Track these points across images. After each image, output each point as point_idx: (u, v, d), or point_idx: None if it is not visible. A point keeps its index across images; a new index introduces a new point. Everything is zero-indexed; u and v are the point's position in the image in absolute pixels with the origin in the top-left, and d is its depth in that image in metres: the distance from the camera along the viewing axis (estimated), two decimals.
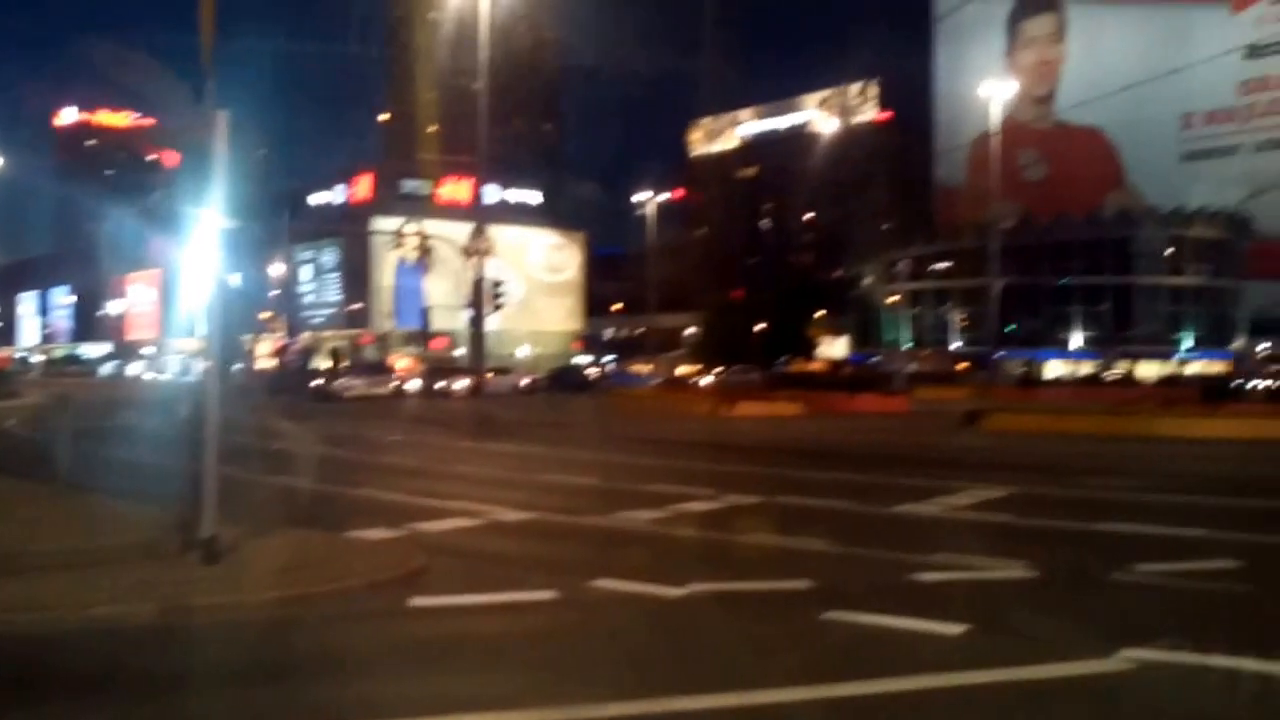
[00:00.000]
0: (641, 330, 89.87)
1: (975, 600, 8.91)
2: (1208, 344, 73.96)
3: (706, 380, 66.82)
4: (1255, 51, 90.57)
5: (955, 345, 78.86)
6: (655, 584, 9.22)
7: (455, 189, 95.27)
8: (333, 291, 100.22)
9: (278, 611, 8.37)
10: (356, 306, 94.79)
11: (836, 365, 75.82)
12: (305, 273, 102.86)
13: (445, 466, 20.13)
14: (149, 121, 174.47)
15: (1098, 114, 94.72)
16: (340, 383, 54.53)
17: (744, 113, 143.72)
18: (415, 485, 16.63)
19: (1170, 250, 75.17)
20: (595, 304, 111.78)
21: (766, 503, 15.10)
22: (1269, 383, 48.89)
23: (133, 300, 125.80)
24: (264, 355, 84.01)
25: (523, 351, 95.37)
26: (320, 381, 54.63)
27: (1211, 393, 35.10)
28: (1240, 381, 51.16)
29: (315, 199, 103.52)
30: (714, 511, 14.09)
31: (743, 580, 9.73)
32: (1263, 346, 75.97)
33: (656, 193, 71.07)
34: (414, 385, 57.59)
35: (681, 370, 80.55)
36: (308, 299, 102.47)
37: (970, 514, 14.14)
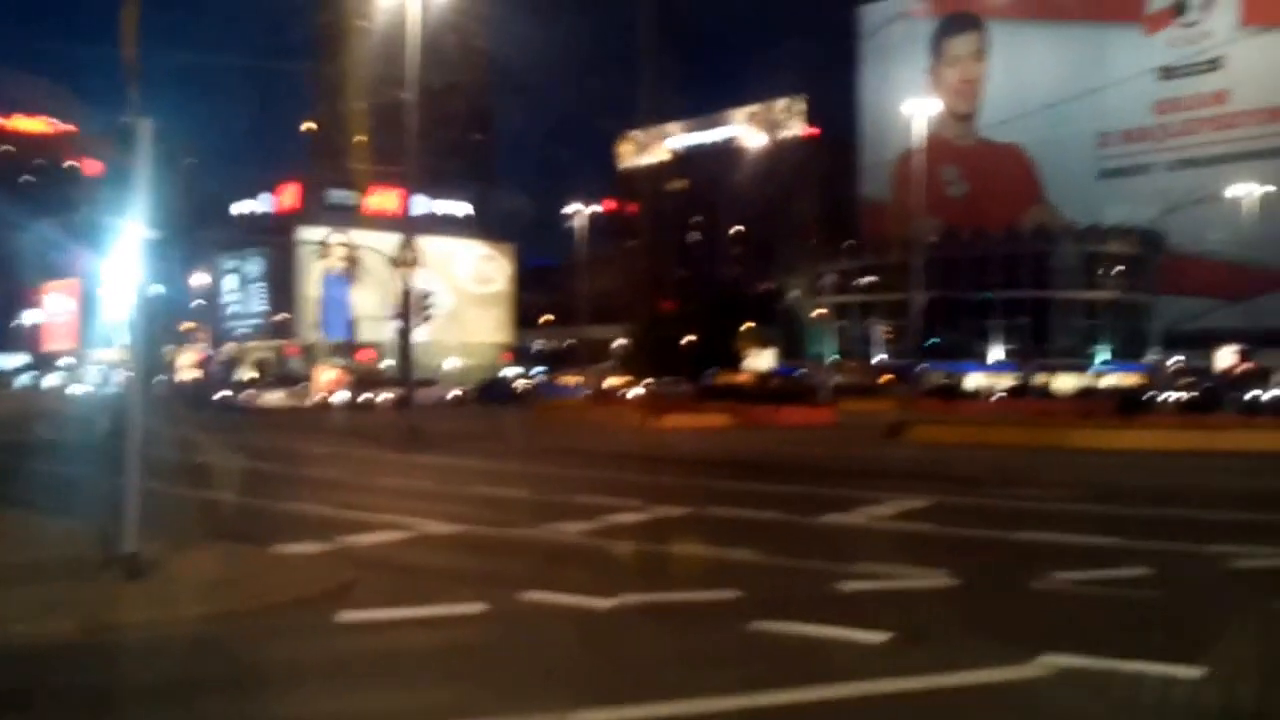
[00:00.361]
0: (571, 342, 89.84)
1: (898, 609, 9.09)
2: (1122, 357, 75.83)
3: (635, 392, 66.90)
4: (1168, 73, 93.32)
5: (879, 358, 79.93)
6: (585, 596, 9.27)
7: (383, 199, 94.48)
8: (258, 302, 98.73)
9: (202, 628, 8.27)
10: (282, 317, 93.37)
11: (764, 377, 76.44)
12: (230, 283, 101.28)
13: (372, 479, 19.98)
14: (69, 128, 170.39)
15: (1018, 132, 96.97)
16: (246, 394, 53.27)
17: (673, 126, 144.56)
18: (342, 498, 16.49)
19: (1086, 265, 76.92)
20: (525, 315, 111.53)
21: (695, 514, 15.23)
22: (1181, 395, 50.29)
23: (50, 310, 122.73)
24: (186, 366, 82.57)
25: (451, 363, 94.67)
26: (226, 394, 53.09)
27: (1126, 405, 35.98)
28: (1153, 394, 52.56)
29: (241, 208, 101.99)
30: (643, 523, 14.17)
31: (672, 591, 9.82)
32: (1175, 360, 78.07)
33: (586, 205, 71.15)
34: (339, 397, 56.93)
35: (611, 382, 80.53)
36: (232, 309, 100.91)
37: (894, 524, 14.40)
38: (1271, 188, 67.81)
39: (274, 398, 53.70)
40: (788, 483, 19.50)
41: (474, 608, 8.86)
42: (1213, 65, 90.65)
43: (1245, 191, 64.38)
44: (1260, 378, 60.49)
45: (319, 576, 9.99)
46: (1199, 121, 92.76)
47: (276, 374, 74.77)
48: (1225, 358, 74.52)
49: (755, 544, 12.15)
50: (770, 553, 11.72)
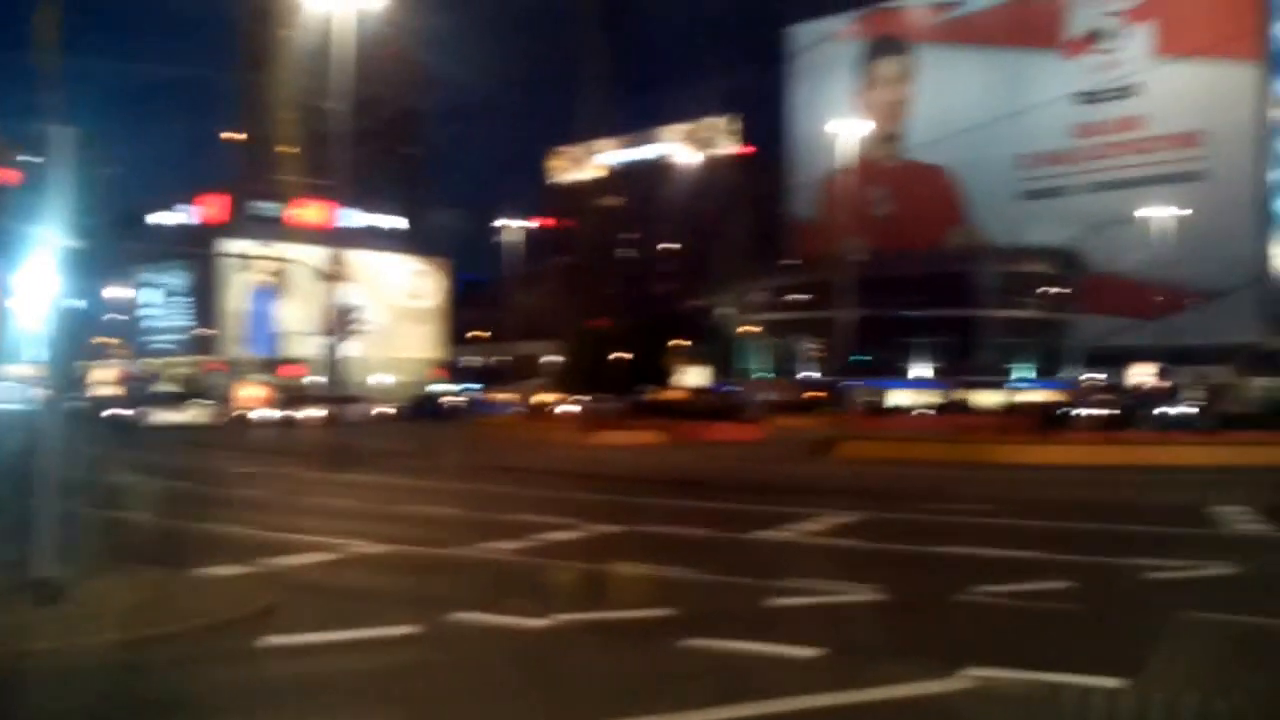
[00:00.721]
0: (504, 358, 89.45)
1: (828, 624, 9.18)
2: (1042, 374, 77.42)
3: (568, 409, 66.83)
4: (1086, 98, 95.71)
5: (808, 374, 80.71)
6: (518, 616, 9.23)
7: (311, 212, 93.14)
8: (180, 316, 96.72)
9: (119, 655, 8.03)
10: (205, 332, 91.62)
11: (695, 394, 76.76)
12: (150, 296, 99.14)
13: (298, 499, 19.69)
14: None
15: (942, 153, 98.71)
16: (136, 411, 51.29)
17: (606, 142, 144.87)
18: (266, 519, 16.23)
19: (1008, 285, 78.44)
20: (457, 331, 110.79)
21: (628, 531, 15.25)
22: (1097, 411, 51.39)
23: None
24: (105, 382, 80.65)
25: (381, 379, 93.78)
26: (117, 411, 50.82)
27: (1045, 421, 36.75)
28: (1071, 410, 53.64)
29: (163, 219, 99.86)
30: (576, 541, 14.16)
31: (605, 610, 9.83)
32: (1090, 376, 79.87)
33: (519, 220, 70.97)
34: (261, 414, 55.93)
35: (543, 398, 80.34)
36: (152, 324, 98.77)
37: (822, 539, 14.56)
38: (1184, 211, 69.91)
39: (171, 416, 51.43)
40: (719, 499, 19.62)
41: (404, 630, 8.76)
42: (1128, 91, 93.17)
43: (1159, 214, 66.19)
44: (1172, 394, 62.15)
45: (241, 600, 9.82)
46: (1115, 145, 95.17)
47: (174, 390, 72.73)
48: (1140, 375, 76.45)
49: (688, 561, 12.20)
50: (702, 570, 11.77)
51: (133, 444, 32.79)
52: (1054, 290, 78.50)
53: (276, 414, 54.81)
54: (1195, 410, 45.31)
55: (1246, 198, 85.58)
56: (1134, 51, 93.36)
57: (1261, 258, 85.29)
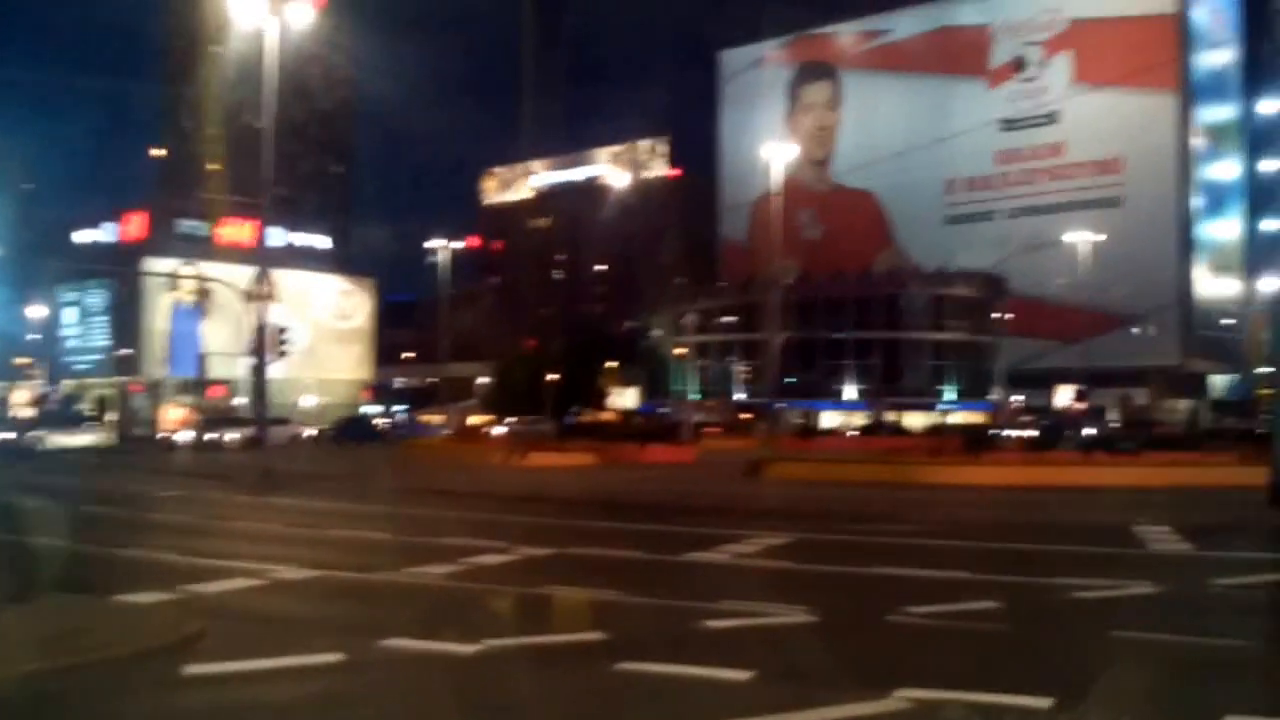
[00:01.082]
0: (434, 379, 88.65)
1: (761, 646, 9.17)
2: (968, 396, 78.65)
3: (499, 430, 66.43)
4: (1009, 125, 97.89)
5: (739, 396, 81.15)
6: (447, 642, 9.10)
7: (237, 230, 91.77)
8: (100, 336, 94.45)
9: (37, 685, 7.79)
10: (126, 352, 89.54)
11: (627, 416, 76.76)
12: (70, 315, 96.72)
13: (223, 523, 19.30)
14: None
15: (870, 178, 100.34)
16: (30, 436, 49.52)
17: (537, 164, 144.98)
18: (190, 544, 15.85)
19: (934, 308, 79.59)
20: (385, 352, 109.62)
21: (560, 554, 15.15)
22: (1022, 433, 52.40)
23: None
24: (19, 404, 78.47)
25: (308, 401, 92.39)
26: (9, 435, 48.51)
27: (972, 442, 37.32)
28: (997, 431, 54.65)
29: (84, 237, 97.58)
30: (508, 564, 14.02)
31: (537, 634, 9.73)
32: (1016, 398, 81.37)
33: (449, 240, 70.43)
34: (183, 436, 54.76)
35: (474, 420, 79.74)
36: (72, 343, 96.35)
37: (755, 561, 14.58)
38: (1106, 236, 71.64)
39: (69, 439, 49.68)
40: (651, 521, 19.58)
41: (331, 658, 8.57)
42: (1050, 119, 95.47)
43: (1080, 239, 67.75)
44: (1095, 416, 63.52)
45: (164, 627, 9.56)
46: (1037, 171, 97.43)
47: (66, 412, 70.75)
48: (1063, 397, 77.94)
49: (620, 584, 12.15)
50: (635, 592, 11.72)
51: (39, 469, 31.92)
52: (978, 313, 79.77)
53: (193, 436, 53.73)
54: (1117, 432, 46.40)
55: (1167, 223, 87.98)
56: (1055, 80, 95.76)
57: (1181, 282, 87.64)
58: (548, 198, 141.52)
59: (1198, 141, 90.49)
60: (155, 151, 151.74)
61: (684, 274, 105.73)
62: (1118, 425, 55.60)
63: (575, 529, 18.59)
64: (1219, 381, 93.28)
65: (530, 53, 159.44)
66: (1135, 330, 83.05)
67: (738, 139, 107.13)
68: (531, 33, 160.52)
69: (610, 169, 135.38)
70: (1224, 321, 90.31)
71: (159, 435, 63.69)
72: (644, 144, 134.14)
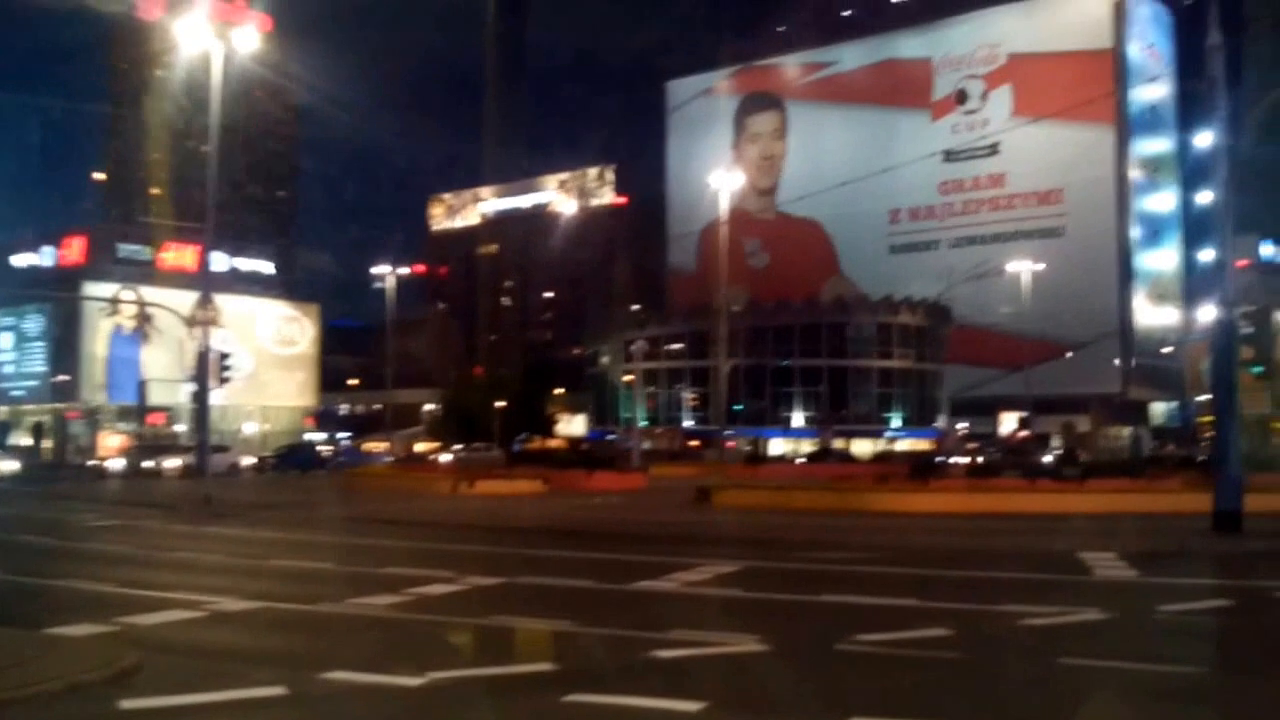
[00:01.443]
0: (379, 406, 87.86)
1: (712, 676, 9.09)
2: (914, 423, 79.32)
3: (446, 458, 65.92)
4: (951, 156, 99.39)
5: (688, 423, 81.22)
6: (392, 675, 8.92)
7: (180, 255, 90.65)
8: (38, 361, 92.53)
9: None
10: (63, 378, 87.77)
11: (575, 443, 76.51)
12: (5, 340, 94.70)
13: (161, 553, 18.86)
14: None
15: (816, 207, 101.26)
16: None
17: (485, 190, 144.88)
18: (127, 574, 15.46)
19: (880, 336, 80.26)
20: (330, 378, 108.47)
21: (508, 584, 14.96)
22: (968, 460, 52.85)
23: None
24: None
25: (251, 428, 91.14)
26: None
27: (918, 469, 37.53)
28: (943, 458, 55.08)
29: (22, 261, 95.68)
30: (455, 594, 13.81)
31: (485, 665, 9.56)
32: (960, 426, 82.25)
33: (396, 267, 70.02)
34: (114, 464, 53.57)
35: (420, 447, 79.19)
36: (7, 369, 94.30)
37: (705, 589, 14.49)
38: (1047, 265, 72.83)
39: None
40: (600, 549, 19.43)
41: (273, 691, 8.35)
42: (991, 150, 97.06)
43: (1022, 268, 68.77)
44: (1039, 443, 64.35)
45: (99, 660, 9.26)
46: (979, 202, 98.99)
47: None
48: (1009, 424, 78.86)
49: (570, 613, 12.01)
50: (585, 622, 11.59)
51: None
52: (923, 341, 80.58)
53: (125, 463, 52.70)
54: (1061, 458, 46.92)
55: (1107, 254, 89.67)
56: (996, 113, 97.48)
57: (1122, 311, 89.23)
58: (495, 224, 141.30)
59: (1135, 174, 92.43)
60: (97, 175, 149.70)
61: (632, 301, 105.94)
62: (1061, 452, 56.25)
63: (523, 558, 18.39)
64: (1159, 409, 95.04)
65: (493, 81, 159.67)
66: (1076, 358, 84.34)
67: (685, 168, 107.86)
68: (493, 64, 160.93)
69: (558, 196, 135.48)
70: (1163, 350, 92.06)
71: (90, 463, 62.45)
72: (591, 171, 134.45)
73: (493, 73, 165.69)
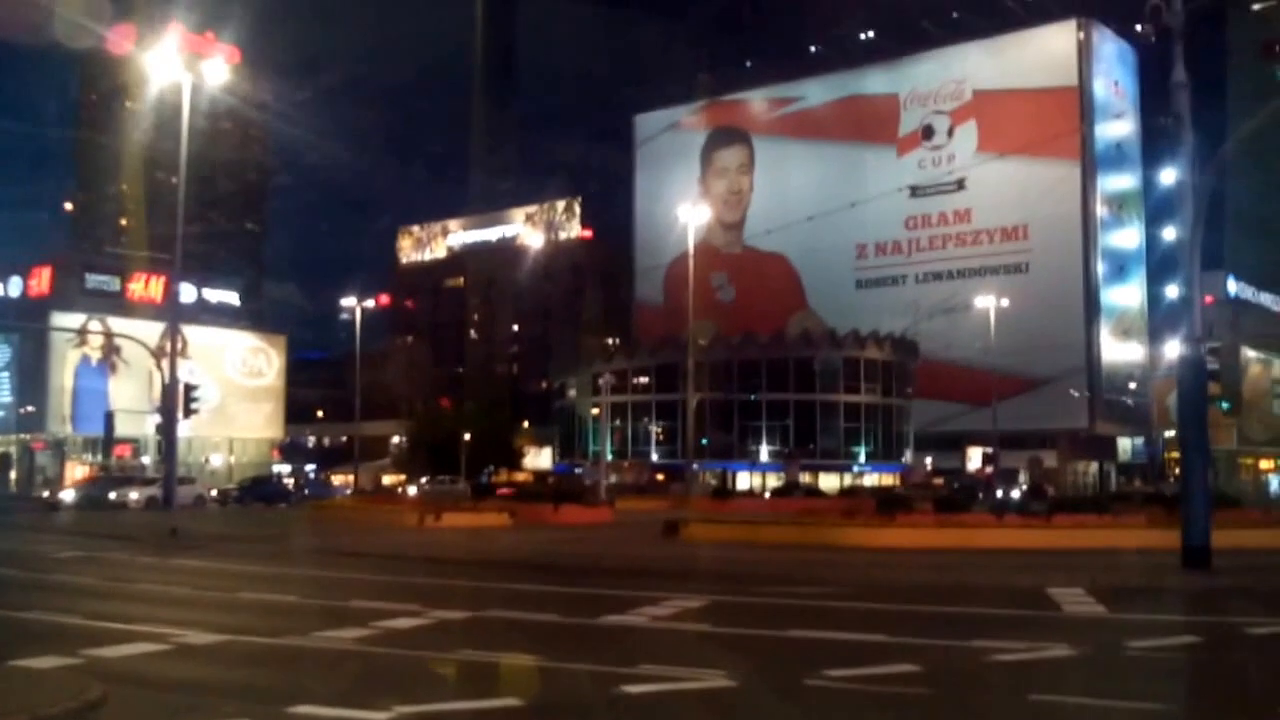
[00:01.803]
0: (346, 437, 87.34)
1: (680, 712, 9.10)
2: (881, 458, 79.58)
3: (412, 490, 65.56)
4: (917, 191, 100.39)
5: (655, 457, 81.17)
6: (358, 709, 8.87)
7: (148, 286, 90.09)
8: (3, 392, 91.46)
9: None
10: (29, 409, 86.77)
11: (541, 476, 76.28)
12: None
13: (127, 585, 18.66)
14: None
15: (782, 241, 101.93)
16: None
17: (453, 223, 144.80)
18: (92, 606, 15.29)
19: (846, 370, 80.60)
20: (297, 410, 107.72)
21: (475, 618, 14.90)
22: (936, 494, 53.09)
23: None
24: None
25: (218, 459, 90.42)
26: None
27: (886, 504, 37.69)
28: (911, 493, 55.30)
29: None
30: (421, 628, 13.74)
31: (451, 700, 9.54)
32: (928, 461, 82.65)
33: (363, 298, 69.87)
34: (69, 495, 52.59)
35: (388, 480, 78.73)
36: None
37: (673, 624, 14.49)
38: (1014, 301, 73.61)
39: None
40: (568, 583, 19.39)
41: None
42: (957, 186, 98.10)
43: (988, 303, 69.45)
44: (1006, 479, 64.76)
45: (63, 693, 9.15)
46: (946, 237, 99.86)
47: None
48: (976, 459, 79.30)
49: (537, 647, 11.98)
50: (553, 656, 11.56)
51: None
52: (889, 376, 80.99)
53: (78, 494, 51.88)
54: (1027, 494, 47.27)
55: (1073, 289, 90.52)
56: (962, 148, 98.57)
57: (1088, 346, 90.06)
58: (463, 257, 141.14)
59: (1101, 210, 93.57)
60: (66, 205, 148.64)
61: (600, 334, 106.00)
62: (1028, 488, 56.69)
63: (490, 591, 18.32)
64: (1126, 444, 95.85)
65: (481, 114, 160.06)
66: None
67: (652, 202, 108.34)
68: (480, 98, 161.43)
69: (525, 229, 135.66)
70: (1130, 385, 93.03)
71: (43, 494, 61.67)
72: (559, 204, 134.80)
73: (480, 106, 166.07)
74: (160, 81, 32.55)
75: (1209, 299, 66.81)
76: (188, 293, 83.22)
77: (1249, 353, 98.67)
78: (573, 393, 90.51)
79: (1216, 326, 79.26)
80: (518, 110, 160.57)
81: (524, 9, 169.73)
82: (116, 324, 70.62)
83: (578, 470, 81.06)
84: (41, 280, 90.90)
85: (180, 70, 31.04)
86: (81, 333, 77.67)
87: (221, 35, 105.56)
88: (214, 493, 61.19)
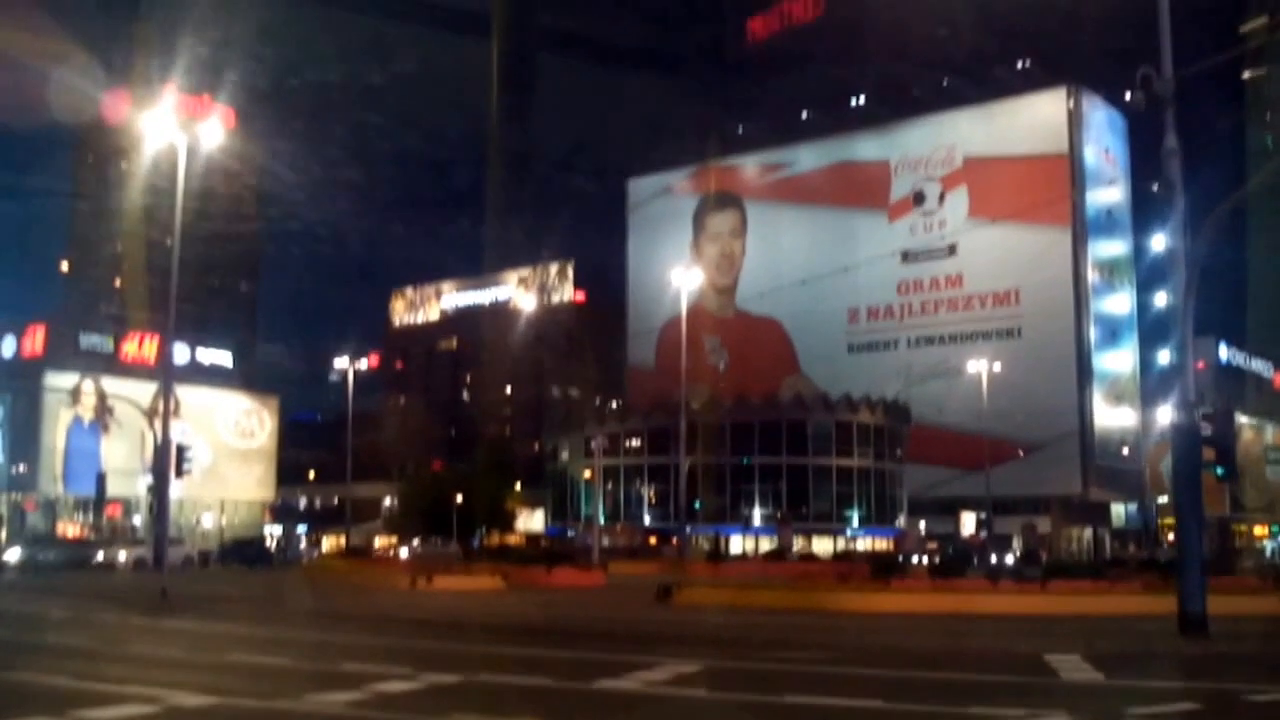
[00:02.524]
0: (338, 499, 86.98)
1: None
2: (874, 522, 79.30)
3: (404, 552, 65.13)
4: (909, 257, 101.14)
5: (648, 520, 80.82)
6: None
7: (141, 347, 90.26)
8: None
9: None
10: (21, 469, 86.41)
11: (534, 539, 75.85)
12: None
13: (117, 646, 18.45)
14: None
15: (774, 305, 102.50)
16: None
17: (446, 285, 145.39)
18: (82, 668, 15.13)
19: (839, 434, 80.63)
20: (289, 471, 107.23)
21: (467, 681, 14.76)
22: (929, 559, 52.97)
23: None
24: None
25: (209, 520, 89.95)
26: None
27: (880, 568, 37.54)
28: (905, 558, 55.14)
29: None
30: (413, 692, 13.60)
31: None
32: (919, 525, 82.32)
33: (356, 359, 70.05)
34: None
35: (378, 541, 78.28)
36: None
37: (667, 689, 14.36)
38: (1006, 365, 73.89)
39: None
40: (561, 647, 19.22)
41: None
42: (949, 251, 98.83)
43: (980, 368, 69.70)
44: (1001, 544, 64.59)
45: None
46: (938, 302, 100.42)
47: None
48: (970, 524, 79.06)
49: (529, 712, 11.89)
50: None
51: None
52: (882, 441, 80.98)
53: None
54: (1022, 559, 47.15)
55: (1065, 354, 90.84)
56: (953, 214, 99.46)
57: (1081, 412, 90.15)
58: (456, 319, 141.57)
59: (1093, 276, 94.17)
60: (62, 265, 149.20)
61: (592, 397, 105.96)
62: (1022, 553, 56.55)
63: (483, 655, 18.14)
64: (1120, 510, 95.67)
65: (498, 180, 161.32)
66: (1035, 458, 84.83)
67: (645, 265, 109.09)
68: (498, 162, 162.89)
69: (518, 292, 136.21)
70: (1123, 451, 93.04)
71: None
72: (552, 267, 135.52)
73: (496, 170, 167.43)
74: (156, 144, 32.85)
75: (1201, 364, 67.12)
76: (181, 354, 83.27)
77: (1242, 418, 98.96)
78: (565, 455, 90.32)
79: (1207, 392, 79.55)
80: (514, 176, 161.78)
81: (518, 78, 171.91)
82: (110, 384, 70.66)
83: (570, 533, 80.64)
84: (35, 340, 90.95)
85: (176, 133, 31.36)
86: (75, 393, 77.68)
87: (218, 96, 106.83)
88: (205, 552, 60.79)
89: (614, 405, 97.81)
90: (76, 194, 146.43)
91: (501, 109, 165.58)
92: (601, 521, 77.61)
